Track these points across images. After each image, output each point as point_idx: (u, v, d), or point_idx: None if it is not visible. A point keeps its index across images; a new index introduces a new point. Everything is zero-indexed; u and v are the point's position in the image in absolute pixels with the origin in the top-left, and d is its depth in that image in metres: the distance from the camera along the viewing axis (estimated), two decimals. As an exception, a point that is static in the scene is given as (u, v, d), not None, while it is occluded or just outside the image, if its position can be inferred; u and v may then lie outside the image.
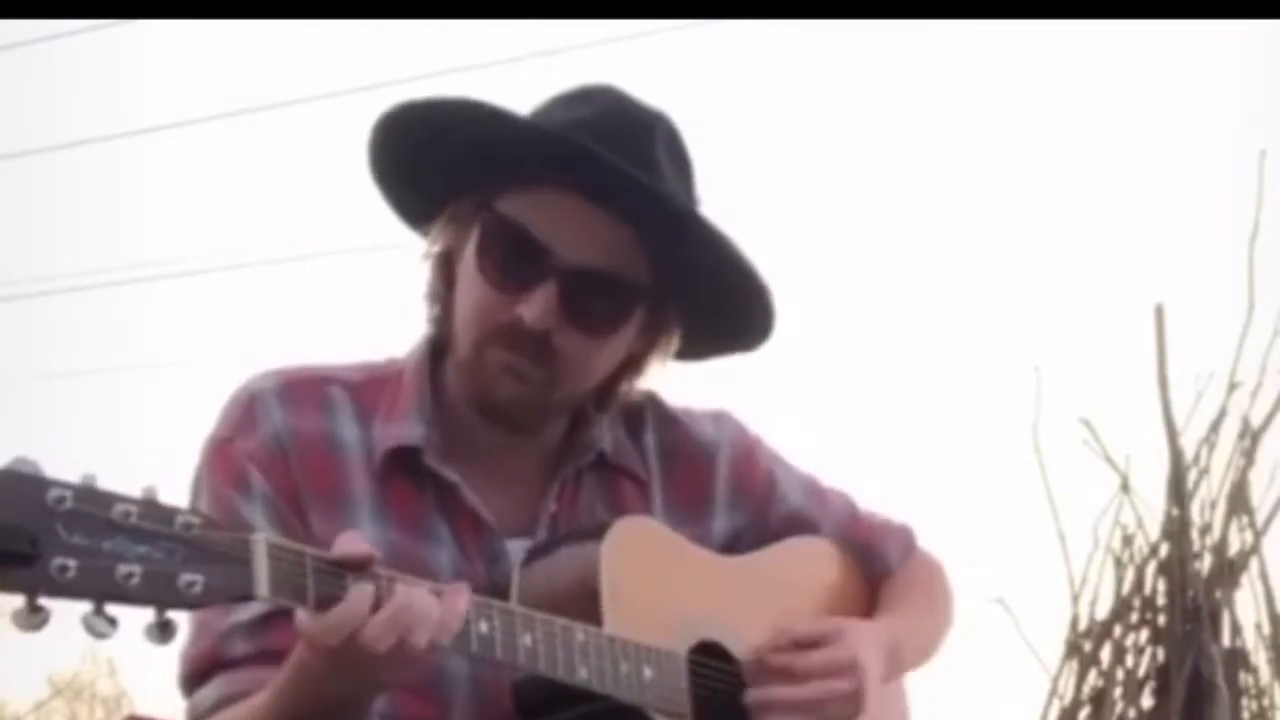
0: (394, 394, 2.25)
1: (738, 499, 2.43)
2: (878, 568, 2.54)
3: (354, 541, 1.92)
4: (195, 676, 2.14)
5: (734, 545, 2.42)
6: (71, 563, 1.66)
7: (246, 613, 2.10)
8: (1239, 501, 5.34)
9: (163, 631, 1.74)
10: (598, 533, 2.19)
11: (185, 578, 1.73)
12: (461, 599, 1.95)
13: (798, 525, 2.48)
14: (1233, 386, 5.37)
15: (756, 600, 2.36)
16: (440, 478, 2.22)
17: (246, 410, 2.20)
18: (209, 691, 2.11)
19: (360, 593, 1.88)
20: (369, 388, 2.26)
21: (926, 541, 2.61)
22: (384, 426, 2.23)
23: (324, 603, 1.86)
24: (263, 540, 1.82)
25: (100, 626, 1.68)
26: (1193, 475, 5.39)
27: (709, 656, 2.27)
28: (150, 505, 1.73)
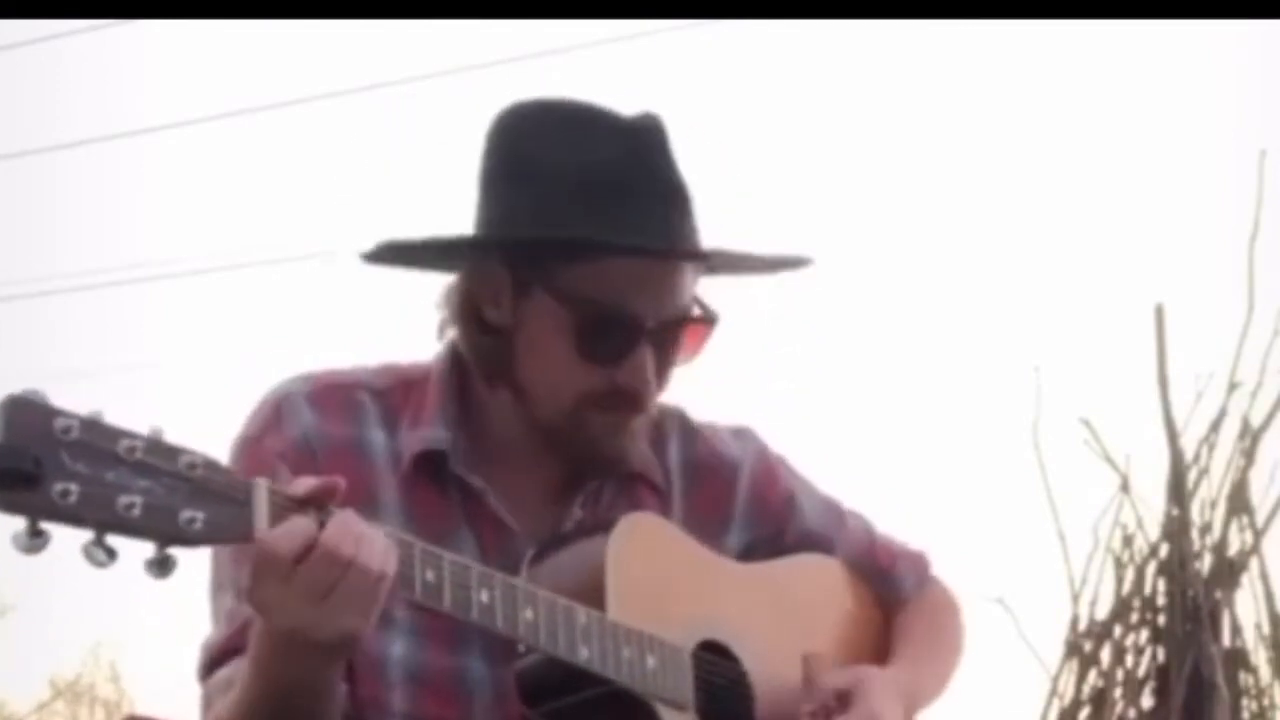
0: (420, 399, 2.27)
1: (755, 516, 2.44)
2: (892, 594, 2.55)
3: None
4: (212, 662, 2.15)
5: (746, 559, 2.42)
6: (74, 488, 1.69)
7: None
8: (1239, 501, 5.34)
9: (161, 566, 1.78)
10: (605, 527, 2.20)
11: (186, 514, 1.76)
12: (393, 544, 1.97)
13: (813, 545, 2.49)
14: (1233, 386, 5.37)
15: (765, 607, 2.36)
16: (466, 483, 2.24)
17: (276, 412, 2.21)
18: (222, 674, 2.12)
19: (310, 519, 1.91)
20: (396, 393, 2.27)
21: (926, 541, 2.61)
22: (410, 431, 2.24)
23: None
24: (265, 485, 1.85)
25: (99, 556, 1.73)
26: (1193, 475, 5.39)
27: (713, 653, 2.27)
28: (156, 443, 1.77)
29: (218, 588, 2.19)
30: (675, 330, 2.25)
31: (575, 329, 2.21)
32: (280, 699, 1.99)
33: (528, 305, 2.23)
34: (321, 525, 1.90)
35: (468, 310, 2.27)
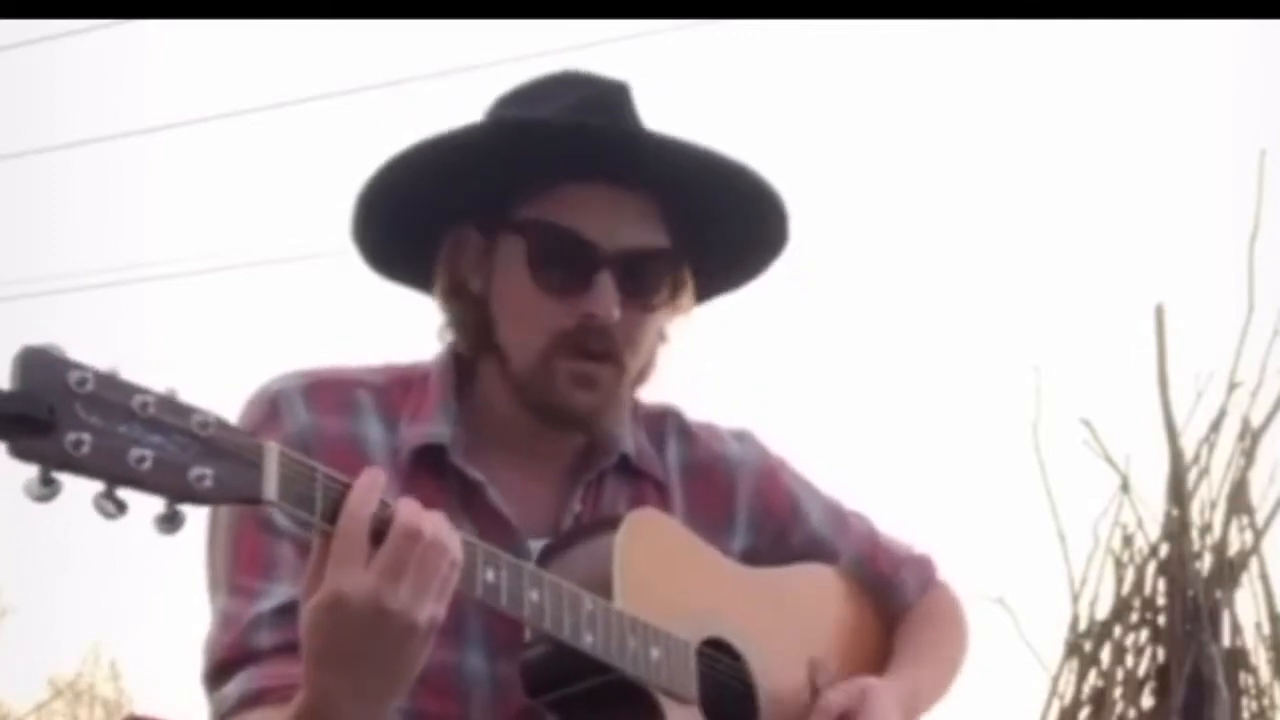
0: (420, 396, 2.25)
1: (758, 519, 2.41)
2: (895, 601, 2.53)
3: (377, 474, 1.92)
4: (220, 671, 2.10)
5: (751, 563, 2.40)
6: (86, 438, 1.69)
7: (272, 601, 2.08)
8: (1239, 501, 5.35)
9: (170, 522, 1.77)
10: (613, 524, 2.19)
11: (196, 471, 1.76)
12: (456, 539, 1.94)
13: (817, 550, 2.47)
14: (1233, 386, 5.38)
15: (769, 611, 2.35)
16: (465, 476, 2.21)
17: (270, 407, 2.19)
18: (233, 688, 2.08)
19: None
20: (394, 390, 2.26)
21: (926, 541, 2.60)
22: (410, 427, 2.22)
23: (330, 515, 1.87)
24: (275, 447, 1.84)
25: (109, 508, 1.72)
26: (1193, 475, 5.40)
27: (718, 651, 2.27)
28: (169, 401, 1.77)
29: (214, 588, 2.16)
30: (640, 263, 2.20)
31: (531, 259, 2.19)
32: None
33: (497, 255, 2.22)
34: (386, 506, 1.88)
35: (452, 287, 2.26)
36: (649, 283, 2.22)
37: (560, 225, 2.18)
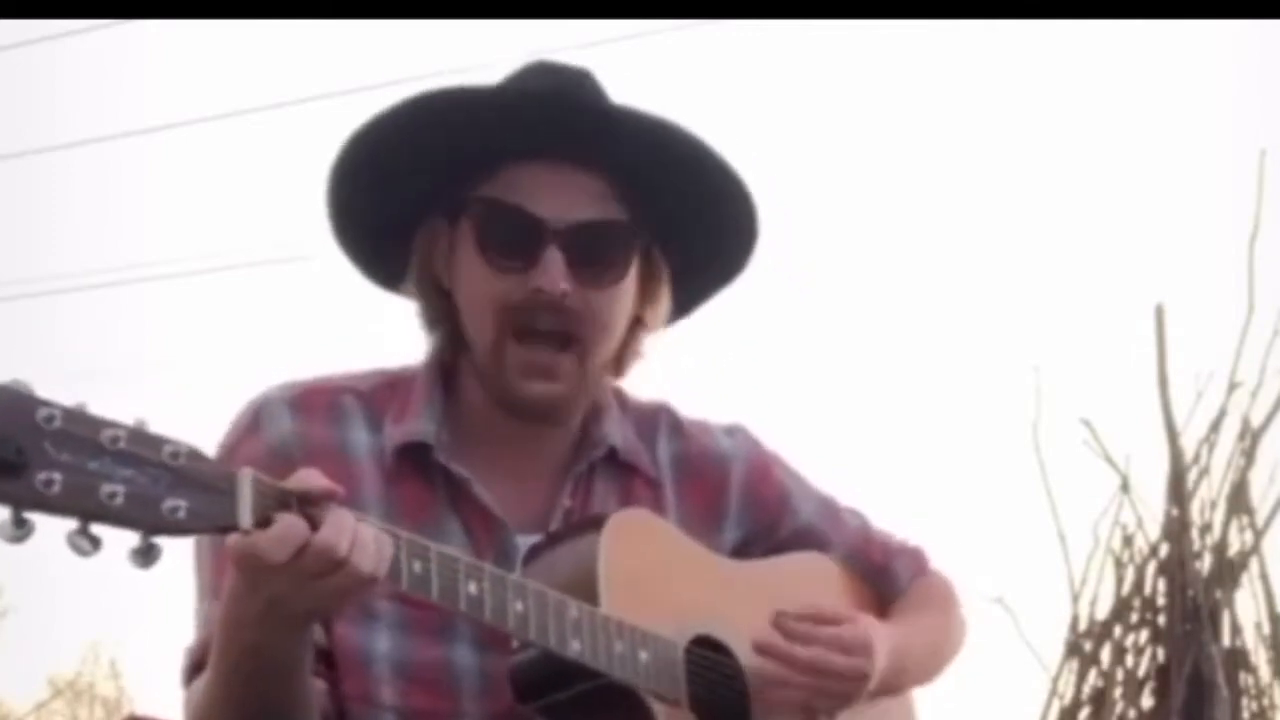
0: (405, 396, 2.26)
1: (749, 512, 2.42)
2: (887, 589, 2.54)
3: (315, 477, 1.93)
4: (191, 669, 2.13)
5: (741, 555, 2.41)
6: (57, 477, 1.69)
7: None
8: (1239, 501, 5.34)
9: (145, 556, 1.76)
10: (597, 524, 2.19)
11: (169, 503, 1.76)
12: (387, 542, 1.94)
13: (807, 540, 2.47)
14: (1233, 386, 5.38)
15: (759, 604, 2.34)
16: (451, 473, 2.22)
17: (254, 418, 2.21)
18: (199, 682, 2.10)
19: (299, 518, 1.88)
20: (381, 393, 2.27)
21: (926, 541, 2.61)
22: (394, 427, 2.23)
23: None
24: (249, 475, 1.84)
25: (83, 545, 1.72)
26: (1193, 475, 5.39)
27: (706, 649, 2.27)
28: (139, 433, 1.76)
29: (200, 594, 2.19)
30: (591, 237, 2.20)
31: (479, 237, 2.20)
32: (246, 662, 1.97)
33: (457, 241, 2.24)
34: (315, 523, 1.88)
35: (425, 283, 2.27)
36: (603, 256, 2.22)
37: (506, 201, 2.19)
